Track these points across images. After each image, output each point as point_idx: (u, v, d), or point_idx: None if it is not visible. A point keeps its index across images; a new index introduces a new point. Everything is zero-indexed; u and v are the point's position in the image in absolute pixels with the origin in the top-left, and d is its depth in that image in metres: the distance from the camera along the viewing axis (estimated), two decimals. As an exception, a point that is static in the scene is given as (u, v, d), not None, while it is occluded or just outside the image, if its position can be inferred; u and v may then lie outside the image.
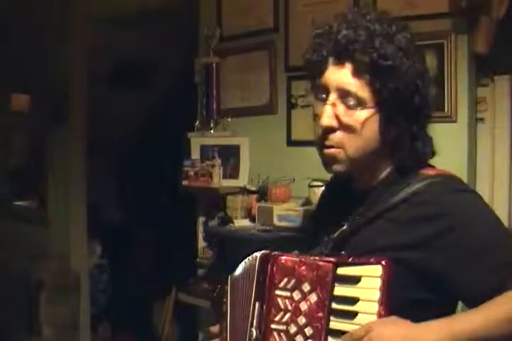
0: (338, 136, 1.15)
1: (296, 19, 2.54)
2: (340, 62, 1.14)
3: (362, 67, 1.11)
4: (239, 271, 1.24)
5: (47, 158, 3.63)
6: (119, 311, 3.91)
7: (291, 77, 2.54)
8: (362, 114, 1.12)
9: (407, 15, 2.17)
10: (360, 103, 1.12)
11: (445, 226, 1.07)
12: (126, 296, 4.00)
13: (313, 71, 1.20)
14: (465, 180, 2.08)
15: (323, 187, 2.25)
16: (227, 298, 1.25)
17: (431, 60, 2.13)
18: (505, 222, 2.19)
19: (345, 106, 1.13)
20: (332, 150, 1.16)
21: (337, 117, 1.14)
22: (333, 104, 1.14)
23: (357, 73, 1.11)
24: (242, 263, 1.23)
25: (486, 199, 2.21)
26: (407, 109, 1.13)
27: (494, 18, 1.99)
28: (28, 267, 3.37)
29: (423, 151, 1.18)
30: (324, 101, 1.15)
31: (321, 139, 1.17)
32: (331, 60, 1.15)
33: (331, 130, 1.15)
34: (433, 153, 1.21)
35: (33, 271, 3.34)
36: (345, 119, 1.13)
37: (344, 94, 1.13)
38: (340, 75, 1.13)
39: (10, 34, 3.61)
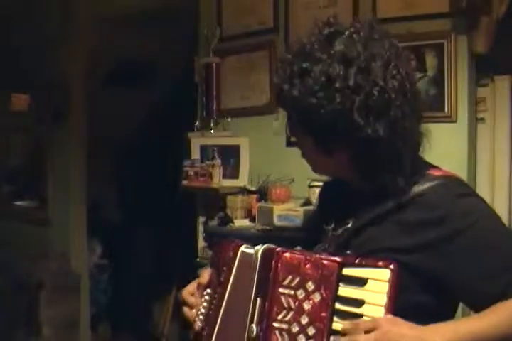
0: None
1: (296, 19, 2.54)
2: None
3: None
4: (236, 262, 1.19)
5: (47, 158, 3.63)
6: (119, 311, 3.90)
7: (291, 77, 2.53)
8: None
9: (407, 16, 2.18)
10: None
11: (450, 230, 1.06)
12: (126, 296, 3.99)
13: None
14: (465, 180, 2.10)
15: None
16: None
17: (431, 60, 2.13)
18: (506, 222, 2.19)
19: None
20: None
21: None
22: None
23: None
24: (240, 254, 1.19)
25: (486, 199, 2.21)
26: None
27: (494, 18, 1.99)
28: (28, 267, 3.37)
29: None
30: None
31: None
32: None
33: None
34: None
35: (33, 271, 3.34)
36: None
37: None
38: None
39: (10, 34, 3.60)
